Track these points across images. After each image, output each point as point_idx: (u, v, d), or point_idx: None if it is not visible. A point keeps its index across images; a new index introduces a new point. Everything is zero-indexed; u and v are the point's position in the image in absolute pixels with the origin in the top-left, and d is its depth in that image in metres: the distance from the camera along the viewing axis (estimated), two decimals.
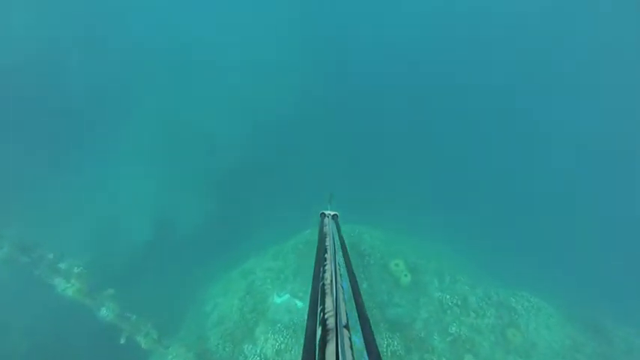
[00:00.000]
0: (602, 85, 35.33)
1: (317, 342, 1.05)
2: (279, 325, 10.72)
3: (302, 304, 11.62)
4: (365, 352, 1.01)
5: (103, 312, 8.35)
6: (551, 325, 11.57)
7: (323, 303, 1.29)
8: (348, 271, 1.76)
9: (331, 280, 1.51)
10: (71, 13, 29.98)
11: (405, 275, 12.66)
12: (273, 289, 12.35)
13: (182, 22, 37.10)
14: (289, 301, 11.73)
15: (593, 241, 21.02)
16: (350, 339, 1.06)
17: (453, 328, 10.60)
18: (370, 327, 1.14)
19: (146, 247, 18.17)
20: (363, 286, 12.51)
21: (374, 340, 1.07)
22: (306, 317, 1.22)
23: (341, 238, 2.31)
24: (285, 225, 17.68)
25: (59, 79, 26.37)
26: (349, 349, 0.99)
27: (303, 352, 0.98)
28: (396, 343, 9.79)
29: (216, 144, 24.57)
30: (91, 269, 9.49)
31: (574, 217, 23.14)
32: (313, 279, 1.57)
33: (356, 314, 1.32)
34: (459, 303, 11.61)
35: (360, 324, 1.18)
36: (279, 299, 11.89)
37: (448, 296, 11.89)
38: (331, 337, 1.03)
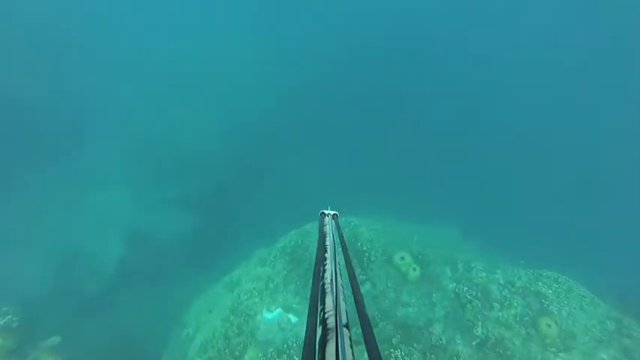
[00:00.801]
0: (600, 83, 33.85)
1: (317, 341, 1.02)
2: (271, 349, 8.92)
3: (297, 319, 9.85)
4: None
5: None
6: (585, 307, 10.03)
7: (323, 302, 1.25)
8: (348, 270, 1.70)
9: (331, 280, 1.43)
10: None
11: (414, 269, 10.95)
12: (262, 303, 10.53)
13: (158, 28, 34.35)
14: (281, 317, 9.93)
15: (616, 207, 19.50)
16: (350, 338, 1.05)
17: (479, 329, 8.95)
18: (370, 326, 1.12)
19: (113, 273, 16.12)
20: (366, 287, 10.79)
21: (374, 339, 1.04)
22: (306, 317, 1.18)
23: (341, 237, 2.16)
24: (272, 226, 15.84)
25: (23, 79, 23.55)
26: (349, 349, 0.97)
27: (303, 352, 0.96)
28: (415, 358, 8.08)
29: (191, 147, 22.29)
30: (28, 314, 7.45)
31: (592, 181, 21.55)
32: (313, 278, 1.49)
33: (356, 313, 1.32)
34: (479, 295, 9.96)
35: (360, 323, 1.16)
36: (269, 315, 10.09)
37: (465, 288, 10.23)
38: (331, 336, 1.01)
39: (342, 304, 1.24)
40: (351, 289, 1.47)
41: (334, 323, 1.08)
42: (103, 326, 14.01)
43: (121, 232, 17.72)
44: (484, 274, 10.78)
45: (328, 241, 1.91)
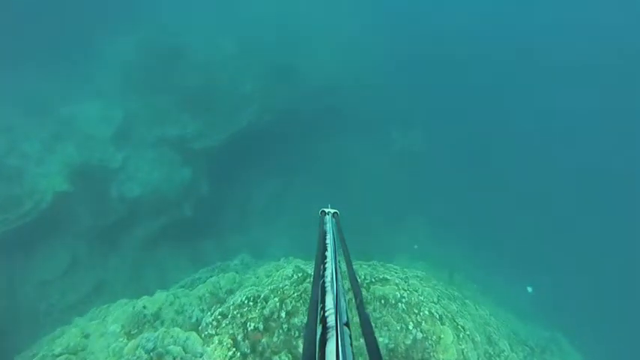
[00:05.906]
0: None
1: (317, 340, 1.00)
2: None
3: None
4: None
5: None
6: None
7: (323, 301, 1.23)
8: (348, 269, 1.71)
9: (331, 278, 1.41)
10: None
11: None
12: None
13: None
14: None
15: None
16: (350, 337, 1.03)
17: None
18: (370, 325, 1.12)
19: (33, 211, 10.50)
20: None
21: (374, 338, 1.03)
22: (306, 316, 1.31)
23: (341, 235, 2.12)
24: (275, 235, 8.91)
25: None
26: (349, 347, 0.96)
27: (303, 351, 0.96)
28: None
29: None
30: None
31: None
32: (314, 277, 1.48)
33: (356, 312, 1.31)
34: None
35: (360, 321, 1.17)
36: None
37: None
38: (331, 334, 0.99)
39: (343, 303, 1.22)
40: (351, 288, 1.47)
41: (334, 322, 1.06)
42: None
43: (71, 163, 11.91)
44: None
45: (328, 239, 1.84)
